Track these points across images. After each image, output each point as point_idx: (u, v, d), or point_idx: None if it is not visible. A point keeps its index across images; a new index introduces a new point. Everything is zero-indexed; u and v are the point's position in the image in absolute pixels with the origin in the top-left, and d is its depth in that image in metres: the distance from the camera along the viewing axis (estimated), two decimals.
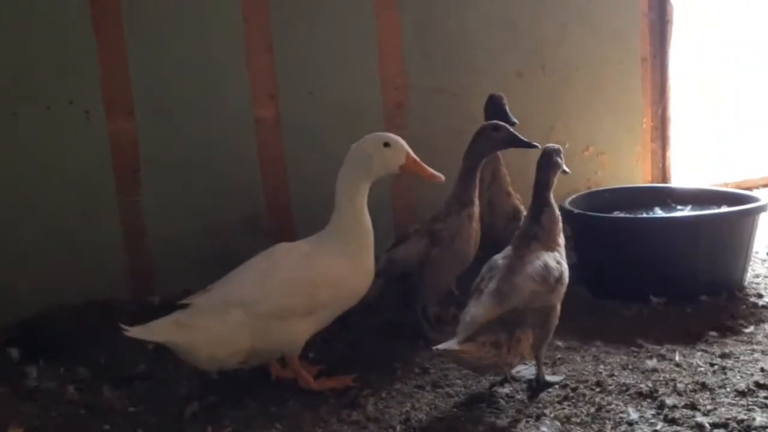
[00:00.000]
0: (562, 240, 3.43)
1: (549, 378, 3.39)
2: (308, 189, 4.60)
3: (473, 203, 3.83)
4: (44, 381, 3.57)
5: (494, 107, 4.35)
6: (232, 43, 4.49)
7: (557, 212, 3.44)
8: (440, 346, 3.03)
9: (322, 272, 3.40)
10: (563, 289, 3.32)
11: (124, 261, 4.37)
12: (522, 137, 3.76)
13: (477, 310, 3.10)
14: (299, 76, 4.66)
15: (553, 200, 3.44)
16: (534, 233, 3.36)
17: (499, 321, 3.10)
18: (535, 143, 3.73)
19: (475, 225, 3.86)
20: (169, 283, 4.32)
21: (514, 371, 3.44)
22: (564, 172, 3.51)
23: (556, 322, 3.32)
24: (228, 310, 3.30)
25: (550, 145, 3.50)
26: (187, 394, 3.44)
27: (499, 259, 3.34)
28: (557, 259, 3.32)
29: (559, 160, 3.45)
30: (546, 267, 3.24)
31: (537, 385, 3.35)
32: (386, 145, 3.46)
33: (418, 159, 3.51)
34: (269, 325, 3.32)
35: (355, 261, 3.47)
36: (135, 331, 3.21)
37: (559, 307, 3.32)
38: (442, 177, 3.54)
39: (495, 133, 3.78)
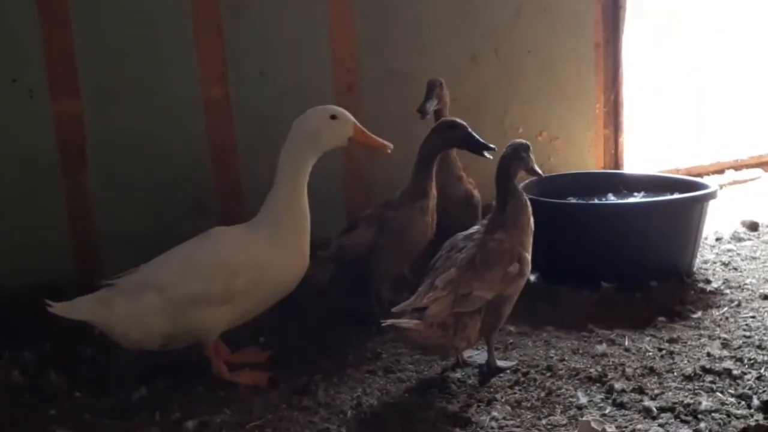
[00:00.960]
0: (530, 227, 3.41)
1: (500, 363, 3.39)
2: (259, 171, 4.55)
3: (428, 196, 3.78)
4: None
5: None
6: (181, 22, 4.38)
7: (524, 199, 3.42)
8: (389, 322, 3.03)
9: (242, 257, 3.31)
10: (522, 282, 3.31)
11: (70, 242, 4.27)
12: (479, 139, 3.66)
13: (433, 308, 3.07)
14: (249, 56, 4.57)
15: (518, 188, 3.42)
16: (501, 221, 3.35)
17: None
18: (492, 146, 3.66)
19: (429, 218, 3.81)
20: (117, 265, 4.22)
21: (465, 356, 3.45)
22: (533, 172, 3.49)
23: (509, 310, 3.33)
24: (144, 292, 3.26)
25: (519, 140, 3.47)
26: (135, 379, 3.38)
27: (460, 239, 3.34)
28: (519, 255, 3.29)
29: (525, 155, 3.41)
30: (503, 271, 3.23)
31: (488, 370, 3.35)
32: (333, 117, 3.39)
33: (366, 130, 3.46)
34: (184, 310, 3.25)
35: (284, 246, 3.36)
36: (58, 308, 3.21)
37: (515, 297, 3.32)
38: (391, 146, 3.50)
39: (451, 131, 3.73)
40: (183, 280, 3.26)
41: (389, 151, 3.52)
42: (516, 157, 3.39)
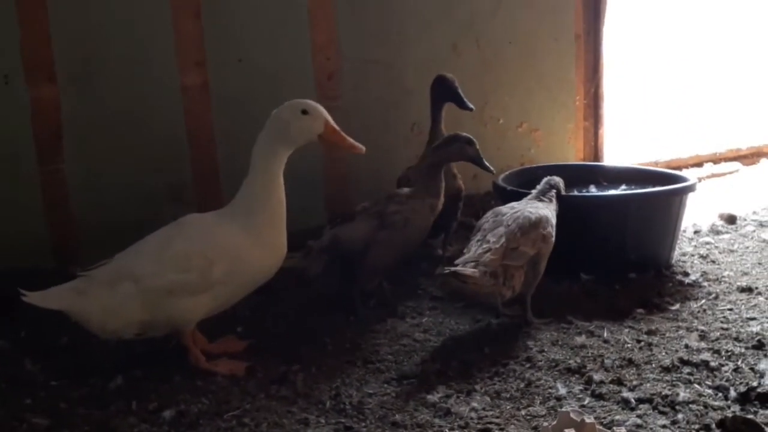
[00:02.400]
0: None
1: (536, 320, 3.71)
2: (236, 159, 4.51)
3: (439, 196, 3.87)
4: None
5: (447, 90, 4.39)
6: (158, 6, 4.35)
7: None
8: (451, 269, 3.40)
9: (218, 246, 3.28)
10: (551, 243, 3.71)
11: (46, 230, 4.24)
12: (484, 161, 3.92)
13: (488, 256, 3.48)
14: (228, 43, 4.55)
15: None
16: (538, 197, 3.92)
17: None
18: (491, 168, 3.96)
19: (433, 217, 3.88)
20: (93, 253, 4.18)
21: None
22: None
23: (543, 268, 3.71)
24: (120, 282, 3.22)
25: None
26: (112, 368, 3.34)
27: (502, 208, 3.78)
28: (549, 221, 3.73)
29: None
30: (546, 220, 3.71)
31: (525, 324, 3.68)
32: (304, 112, 3.35)
33: (338, 128, 3.42)
34: (160, 300, 3.22)
35: (259, 235, 3.33)
36: (32, 297, 3.17)
37: (547, 257, 3.70)
38: (363, 148, 3.48)
39: (468, 147, 3.89)
40: (159, 269, 3.23)
41: (360, 152, 3.49)
42: (558, 184, 4.02)
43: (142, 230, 3.47)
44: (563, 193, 4.02)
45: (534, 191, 3.98)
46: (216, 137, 4.56)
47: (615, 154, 6.08)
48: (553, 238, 3.74)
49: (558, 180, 4.02)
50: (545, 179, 4.02)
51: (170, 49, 4.40)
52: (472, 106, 4.38)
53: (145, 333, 3.32)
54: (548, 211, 3.82)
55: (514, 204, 3.85)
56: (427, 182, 3.86)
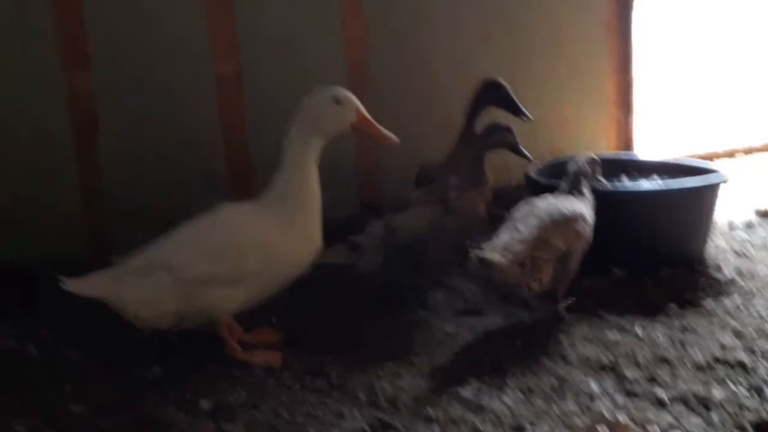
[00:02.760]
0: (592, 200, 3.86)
1: (567, 314, 3.70)
2: (268, 148, 4.53)
3: (486, 184, 3.94)
4: (3, 340, 3.53)
5: (500, 96, 4.32)
6: None
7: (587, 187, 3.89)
8: (477, 253, 3.37)
9: (251, 237, 3.29)
10: (586, 241, 3.68)
11: (82, 217, 4.29)
12: (522, 148, 4.03)
13: (517, 246, 3.45)
14: (262, 32, 4.57)
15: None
16: (571, 192, 3.83)
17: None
18: (529, 156, 4.05)
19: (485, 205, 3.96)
20: (128, 241, 4.23)
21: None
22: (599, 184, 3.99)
23: (576, 265, 3.68)
24: (154, 272, 3.25)
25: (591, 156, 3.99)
26: (149, 357, 3.40)
27: (536, 199, 3.72)
28: (584, 217, 3.68)
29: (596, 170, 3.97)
30: (582, 216, 3.66)
31: (555, 318, 3.67)
32: (336, 102, 3.32)
33: (370, 118, 3.39)
34: (195, 290, 3.25)
35: (293, 226, 3.33)
36: (71, 284, 3.21)
37: (581, 254, 3.68)
38: (396, 139, 3.44)
39: (509, 135, 3.96)
40: (193, 260, 3.25)
41: (395, 143, 3.46)
42: (584, 173, 3.89)
43: (174, 218, 3.49)
44: (594, 175, 3.94)
45: (563, 184, 3.90)
46: (249, 126, 4.58)
47: (647, 146, 6.03)
48: (589, 236, 3.70)
49: (581, 163, 3.90)
50: (570, 167, 3.91)
51: (204, 38, 4.42)
52: (530, 115, 4.32)
53: (181, 323, 3.35)
54: (583, 206, 3.75)
55: (548, 195, 3.81)
56: (473, 174, 3.89)
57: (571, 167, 3.90)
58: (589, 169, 3.91)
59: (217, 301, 3.30)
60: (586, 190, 3.86)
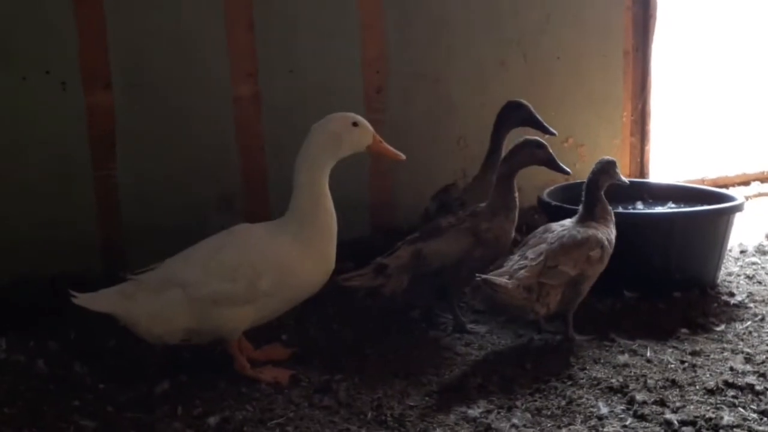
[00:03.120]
0: (612, 222, 3.82)
1: (578, 336, 3.71)
2: (286, 169, 4.56)
3: (516, 207, 3.90)
4: (13, 353, 3.52)
5: (523, 115, 4.37)
6: (213, 18, 4.41)
7: (607, 205, 3.83)
8: (483, 276, 3.42)
9: (267, 258, 3.32)
10: (601, 267, 3.68)
11: (96, 234, 4.31)
12: (557, 161, 3.93)
13: (525, 272, 3.50)
14: (280, 54, 4.60)
15: (603, 196, 3.82)
16: (588, 219, 3.77)
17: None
18: (568, 170, 3.98)
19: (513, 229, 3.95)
20: (142, 259, 4.26)
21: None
22: (620, 182, 3.89)
23: (587, 289, 3.68)
24: (168, 289, 3.28)
25: (607, 158, 3.89)
26: (158, 372, 3.41)
27: (554, 225, 3.77)
28: (602, 243, 3.67)
29: (613, 171, 3.83)
30: (596, 241, 3.65)
31: (567, 342, 3.68)
32: (355, 124, 3.44)
33: (381, 140, 3.53)
34: (207, 308, 3.27)
35: (309, 247, 3.37)
36: (82, 299, 3.23)
37: (593, 279, 3.68)
38: (403, 156, 3.57)
39: (538, 150, 3.87)
40: (207, 278, 3.28)
41: (402, 160, 3.59)
42: (603, 171, 3.81)
43: (189, 238, 3.53)
44: (614, 176, 3.85)
45: (581, 207, 3.86)
46: (266, 147, 4.61)
47: (661, 171, 6.04)
48: (603, 260, 3.68)
49: (596, 171, 3.82)
50: (586, 187, 3.85)
51: (224, 59, 4.46)
52: (554, 131, 4.40)
53: (190, 340, 3.37)
54: (600, 230, 3.73)
55: (566, 222, 3.81)
56: (505, 196, 3.87)
57: (588, 189, 3.85)
58: (605, 175, 3.84)
59: (229, 320, 3.32)
60: (603, 210, 3.80)
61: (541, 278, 3.51)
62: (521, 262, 3.56)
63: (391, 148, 3.55)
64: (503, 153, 4.23)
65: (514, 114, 4.35)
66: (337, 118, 3.46)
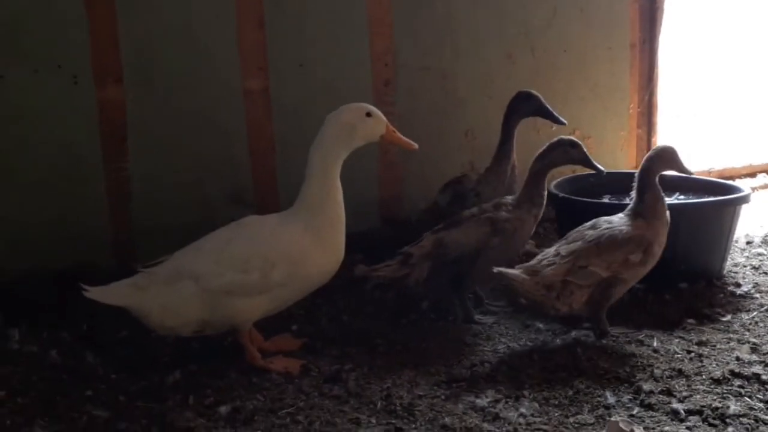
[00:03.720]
0: (666, 219, 3.67)
1: (611, 330, 3.65)
2: (294, 163, 4.59)
3: (542, 205, 3.92)
4: (26, 344, 3.56)
5: (533, 105, 4.39)
6: (223, 12, 4.45)
7: (661, 193, 3.68)
8: (499, 270, 3.43)
9: (278, 248, 3.35)
10: (643, 270, 3.60)
11: (108, 228, 4.34)
12: (592, 160, 3.94)
13: (551, 269, 3.47)
14: (289, 48, 4.63)
15: (657, 183, 3.68)
16: (639, 210, 3.64)
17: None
18: (601, 168, 3.97)
19: (535, 225, 3.97)
20: (153, 252, 4.30)
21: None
22: (685, 171, 3.81)
23: (620, 293, 3.61)
24: (180, 281, 3.30)
25: (664, 146, 3.79)
26: (169, 362, 3.45)
27: (602, 220, 3.66)
28: (647, 245, 3.55)
29: (676, 158, 3.74)
30: (639, 243, 3.53)
31: (600, 336, 3.61)
32: (368, 115, 3.46)
33: (395, 129, 3.56)
34: (219, 299, 3.30)
35: (319, 237, 3.40)
36: (93, 293, 3.26)
37: (631, 283, 3.62)
38: (416, 145, 3.60)
39: (572, 149, 3.90)
40: (219, 270, 3.30)
41: (415, 149, 3.62)
42: (658, 158, 3.71)
43: (199, 232, 3.55)
44: (678, 164, 3.76)
45: (632, 201, 3.73)
46: (275, 141, 4.64)
47: None
48: (646, 263, 3.59)
49: (651, 158, 3.72)
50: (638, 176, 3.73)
51: (234, 54, 4.49)
52: (564, 120, 4.42)
53: (203, 330, 3.40)
54: (651, 230, 3.60)
55: (614, 218, 3.70)
56: (532, 192, 3.89)
57: (641, 169, 3.73)
58: (660, 163, 3.72)
59: (242, 310, 3.35)
60: (655, 201, 3.65)
61: (568, 277, 3.47)
62: (551, 258, 3.54)
63: (404, 138, 3.58)
64: (514, 143, 4.31)
65: (525, 104, 4.37)
66: (351, 108, 3.48)
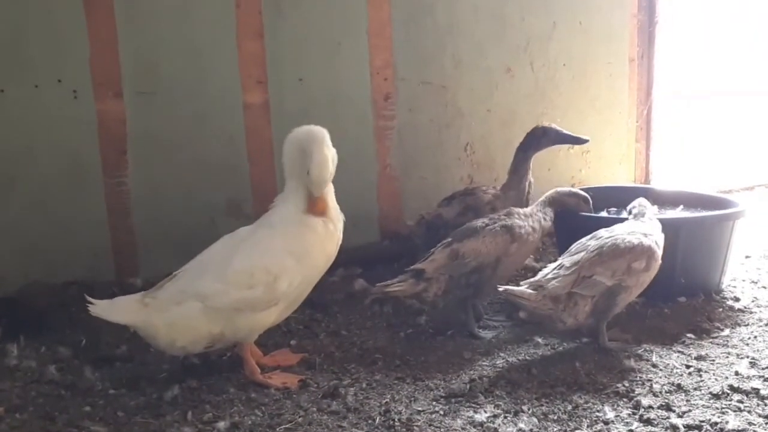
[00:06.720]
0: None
1: (610, 344, 3.64)
2: None
3: (551, 221, 4.08)
4: (25, 359, 3.57)
5: (554, 137, 4.56)
6: (223, 26, 4.47)
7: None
8: (504, 288, 3.49)
9: (280, 261, 3.32)
10: (646, 278, 3.64)
11: (107, 241, 4.35)
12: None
13: (556, 282, 3.49)
14: (289, 62, 4.65)
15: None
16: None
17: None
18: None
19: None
20: (153, 265, 4.32)
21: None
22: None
23: (625, 301, 3.64)
24: (186, 301, 3.27)
25: None
26: (168, 378, 3.44)
27: (604, 230, 3.71)
28: (651, 253, 3.62)
29: None
30: (642, 251, 3.59)
31: (600, 350, 3.62)
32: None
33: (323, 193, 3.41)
34: (228, 315, 3.28)
35: (314, 227, 3.39)
36: (98, 308, 3.21)
37: (635, 291, 3.64)
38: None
39: (584, 204, 4.18)
40: (224, 288, 3.27)
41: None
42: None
43: (200, 243, 3.55)
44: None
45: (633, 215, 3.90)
46: (275, 154, 4.64)
47: (666, 178, 6.06)
48: (650, 270, 3.64)
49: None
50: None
51: (233, 67, 4.51)
52: (586, 137, 4.62)
53: (213, 346, 3.38)
54: (651, 238, 3.68)
55: (615, 227, 3.76)
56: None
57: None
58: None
59: (252, 323, 3.35)
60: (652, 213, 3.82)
61: (573, 288, 3.49)
62: (556, 271, 3.56)
63: (323, 199, 3.43)
64: (531, 164, 4.49)
65: (544, 139, 4.52)
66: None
